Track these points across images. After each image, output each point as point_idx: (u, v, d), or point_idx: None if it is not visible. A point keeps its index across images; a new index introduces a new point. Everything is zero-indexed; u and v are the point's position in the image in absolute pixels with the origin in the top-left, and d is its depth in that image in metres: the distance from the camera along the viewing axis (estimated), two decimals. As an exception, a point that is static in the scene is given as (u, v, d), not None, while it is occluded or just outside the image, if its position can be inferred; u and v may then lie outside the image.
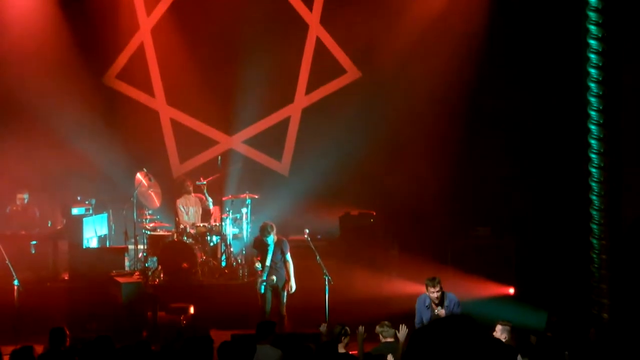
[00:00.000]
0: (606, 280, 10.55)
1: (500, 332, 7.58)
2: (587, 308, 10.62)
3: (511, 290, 11.72)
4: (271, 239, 10.23)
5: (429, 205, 12.71)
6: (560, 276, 11.59)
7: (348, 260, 11.98)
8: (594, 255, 10.60)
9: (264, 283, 10.24)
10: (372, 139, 13.07)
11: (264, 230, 10.21)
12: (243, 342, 6.05)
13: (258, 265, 10.32)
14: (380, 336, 8.09)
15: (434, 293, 8.59)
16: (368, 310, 10.27)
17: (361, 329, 7.94)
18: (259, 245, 10.39)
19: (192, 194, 12.41)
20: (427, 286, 8.65)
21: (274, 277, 10.19)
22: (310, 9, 13.73)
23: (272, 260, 10.17)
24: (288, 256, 10.28)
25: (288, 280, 10.19)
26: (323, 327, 8.21)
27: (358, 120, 13.26)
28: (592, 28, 10.31)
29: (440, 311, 8.52)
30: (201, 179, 12.37)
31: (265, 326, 7.53)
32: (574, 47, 10.91)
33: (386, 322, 8.17)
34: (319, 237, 12.41)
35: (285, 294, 10.15)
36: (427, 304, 8.65)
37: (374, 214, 12.73)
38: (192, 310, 10.63)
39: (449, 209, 12.63)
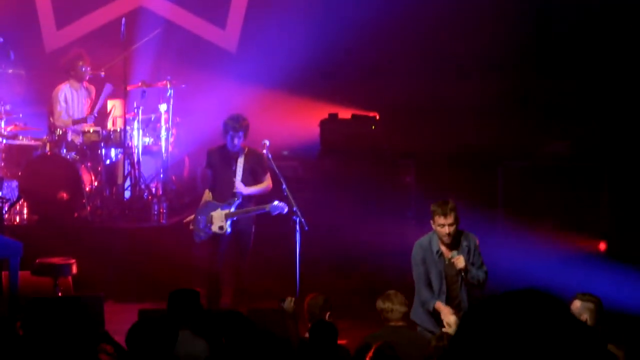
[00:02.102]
0: None
1: (579, 311, 7.51)
2: None
3: (602, 245, 11.77)
4: (238, 144, 9.99)
5: (465, 101, 12.79)
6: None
7: (333, 191, 11.89)
8: None
9: (230, 219, 9.93)
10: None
11: (233, 126, 9.91)
12: (158, 325, 6.22)
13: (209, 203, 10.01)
14: (383, 315, 7.96)
15: (445, 227, 8.37)
16: (364, 273, 10.73)
17: (289, 302, 8.16)
18: (218, 160, 10.12)
19: (85, 82, 12.44)
20: (433, 214, 8.48)
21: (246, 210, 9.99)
22: None
23: (241, 183, 10.05)
24: (267, 178, 10.17)
25: (252, 222, 10.14)
26: (288, 303, 8.24)
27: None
28: None
29: (457, 258, 8.37)
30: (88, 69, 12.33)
31: (182, 298, 7.41)
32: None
33: (392, 293, 8.05)
34: (285, 153, 12.50)
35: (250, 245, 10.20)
36: (436, 251, 8.49)
37: (377, 117, 12.71)
38: (74, 269, 10.39)
39: (498, 109, 12.74)
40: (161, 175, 12.20)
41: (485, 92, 12.80)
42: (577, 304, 7.57)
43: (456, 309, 8.22)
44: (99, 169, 11.97)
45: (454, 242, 8.45)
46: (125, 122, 11.97)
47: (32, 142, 12.06)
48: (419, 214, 11.62)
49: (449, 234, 8.35)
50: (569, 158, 12.32)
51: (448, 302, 8.19)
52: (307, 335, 7.68)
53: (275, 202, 9.85)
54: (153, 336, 6.03)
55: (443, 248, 8.46)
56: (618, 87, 12.86)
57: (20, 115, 12.42)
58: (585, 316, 7.45)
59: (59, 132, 11.84)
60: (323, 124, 12.67)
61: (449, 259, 8.42)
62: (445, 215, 8.36)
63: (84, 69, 12.25)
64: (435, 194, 11.45)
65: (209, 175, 10.37)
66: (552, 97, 12.87)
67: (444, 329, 8.01)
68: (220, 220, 9.99)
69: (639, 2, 12.76)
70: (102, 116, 12.40)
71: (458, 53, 13.06)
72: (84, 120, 12.13)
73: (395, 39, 13.35)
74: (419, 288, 8.40)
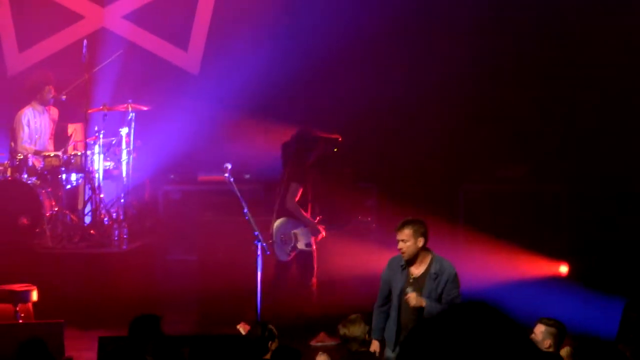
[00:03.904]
0: None
1: (542, 335, 7.53)
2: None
3: (563, 269, 11.76)
4: None
5: (427, 126, 12.86)
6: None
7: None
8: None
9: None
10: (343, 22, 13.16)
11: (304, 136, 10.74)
12: (122, 353, 6.40)
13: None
14: (344, 341, 7.82)
15: (399, 243, 8.09)
16: (327, 297, 10.74)
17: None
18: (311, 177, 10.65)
19: (49, 106, 12.41)
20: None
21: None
22: None
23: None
24: None
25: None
26: (242, 328, 8.43)
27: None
28: None
29: (410, 296, 7.98)
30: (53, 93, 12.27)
31: (143, 324, 7.42)
32: None
33: (354, 317, 7.82)
34: (247, 176, 12.54)
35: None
36: (402, 264, 8.21)
37: (340, 139, 12.61)
38: (34, 296, 10.44)
39: (460, 134, 12.76)
40: (122, 200, 12.13)
41: (445, 115, 12.80)
42: (540, 328, 7.55)
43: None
44: (60, 194, 11.88)
45: (422, 264, 8.09)
46: (86, 147, 11.91)
47: (-7, 167, 11.94)
48: (381, 238, 11.50)
49: (401, 251, 8.04)
50: (527, 181, 12.24)
51: (400, 324, 8.02)
52: None
53: None
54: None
55: (411, 267, 8.12)
56: (575, 109, 12.91)
57: (-18, 139, 12.14)
58: (548, 341, 7.47)
59: (20, 156, 11.79)
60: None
61: (411, 278, 8.10)
62: (397, 231, 8.09)
63: (48, 93, 12.19)
64: (397, 214, 11.63)
65: (301, 191, 10.55)
66: (510, 120, 12.83)
67: None
68: (306, 237, 10.41)
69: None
70: (63, 140, 12.32)
71: (420, 76, 13.00)
72: (48, 156, 11.97)
73: (357, 61, 13.34)
74: (374, 307, 8.29)
